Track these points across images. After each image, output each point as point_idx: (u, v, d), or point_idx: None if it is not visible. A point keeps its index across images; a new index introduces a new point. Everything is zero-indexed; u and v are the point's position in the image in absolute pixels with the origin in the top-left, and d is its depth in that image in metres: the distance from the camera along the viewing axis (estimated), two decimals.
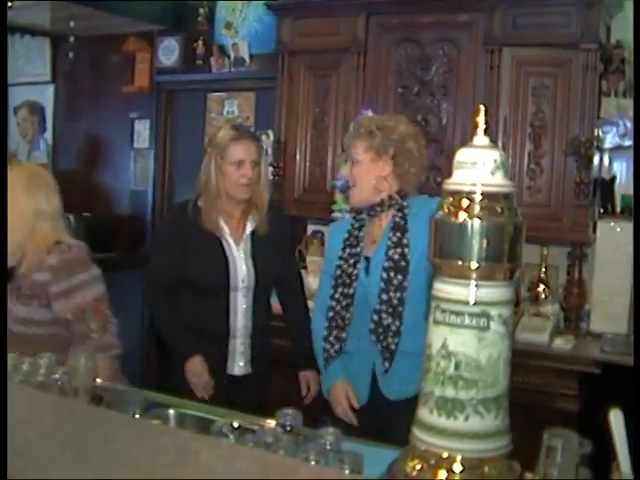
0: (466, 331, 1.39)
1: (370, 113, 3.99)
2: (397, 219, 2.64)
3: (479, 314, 1.39)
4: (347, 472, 1.49)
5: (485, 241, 1.39)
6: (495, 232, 1.40)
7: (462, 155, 1.45)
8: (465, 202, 1.41)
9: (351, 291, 2.67)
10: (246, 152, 2.93)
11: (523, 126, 3.72)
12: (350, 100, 4.13)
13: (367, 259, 2.69)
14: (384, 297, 2.60)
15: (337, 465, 1.51)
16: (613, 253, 3.79)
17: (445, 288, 1.43)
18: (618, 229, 3.80)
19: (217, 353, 2.98)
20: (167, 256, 3.00)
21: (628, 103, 3.70)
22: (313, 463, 1.51)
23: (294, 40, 4.25)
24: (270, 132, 4.69)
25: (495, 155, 1.42)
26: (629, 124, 3.70)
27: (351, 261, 2.69)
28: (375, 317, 2.60)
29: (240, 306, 2.99)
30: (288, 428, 1.69)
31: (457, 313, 1.40)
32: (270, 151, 4.43)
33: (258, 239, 3.02)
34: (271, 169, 4.26)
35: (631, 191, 3.93)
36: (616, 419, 1.44)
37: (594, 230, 3.82)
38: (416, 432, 1.47)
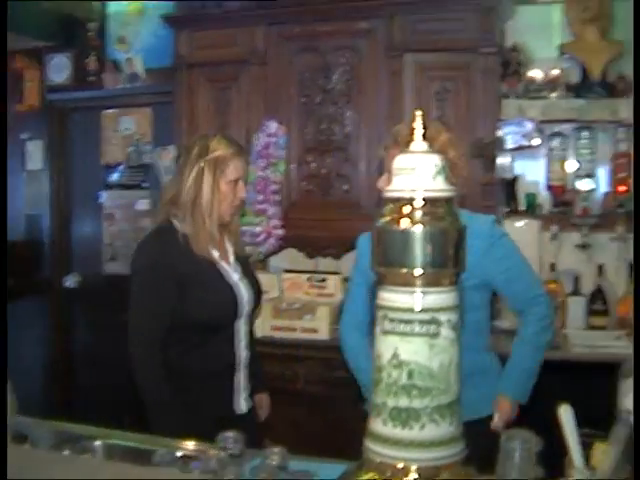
0: (417, 339, 1.37)
1: (274, 124, 3.98)
2: None
3: (429, 321, 1.37)
4: None
5: (429, 247, 1.37)
6: (439, 237, 1.38)
7: (401, 161, 1.43)
8: (407, 209, 1.39)
9: None
10: (243, 169, 2.61)
11: None
12: (252, 112, 4.09)
13: None
14: None
15: None
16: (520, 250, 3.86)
17: (392, 297, 1.40)
18: (524, 227, 3.89)
19: (224, 392, 2.62)
20: (161, 303, 2.49)
21: (527, 104, 3.79)
22: None
23: (192, 53, 4.17)
24: (171, 148, 4.60)
25: (435, 160, 1.40)
26: (529, 124, 3.79)
27: None
28: None
29: (243, 335, 2.64)
30: (230, 452, 1.63)
31: (406, 321, 1.37)
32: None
33: (241, 261, 2.70)
34: None
35: (533, 189, 4.04)
36: (566, 414, 1.45)
37: None
38: (370, 445, 1.44)
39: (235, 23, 4.04)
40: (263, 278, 4.07)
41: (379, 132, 3.88)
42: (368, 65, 3.88)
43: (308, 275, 4.02)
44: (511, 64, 3.82)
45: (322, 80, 3.97)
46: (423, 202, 1.39)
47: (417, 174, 1.40)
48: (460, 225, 1.40)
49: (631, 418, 1.47)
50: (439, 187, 1.40)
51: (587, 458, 1.48)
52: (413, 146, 1.45)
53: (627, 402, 1.67)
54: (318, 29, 3.95)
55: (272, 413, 3.65)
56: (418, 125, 1.45)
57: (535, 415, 2.36)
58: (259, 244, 4.00)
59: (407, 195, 1.40)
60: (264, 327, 3.83)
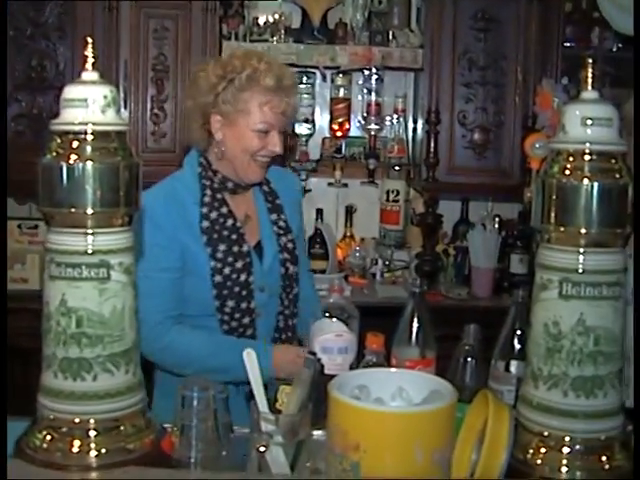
0: (85, 284, 1.28)
1: None
2: (269, 197, 2.21)
3: (98, 264, 1.28)
4: None
5: (99, 184, 1.27)
6: (110, 174, 1.29)
7: (70, 92, 1.32)
8: (75, 143, 1.28)
9: (253, 305, 2.10)
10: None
11: (144, 70, 3.63)
12: None
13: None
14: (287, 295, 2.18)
15: None
16: None
17: (59, 239, 1.29)
18: None
19: None
20: None
21: (248, 46, 3.71)
22: None
23: None
24: None
25: (105, 91, 1.30)
26: None
27: (237, 263, 2.08)
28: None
29: None
30: None
31: (74, 265, 1.28)
32: None
33: None
34: None
35: None
36: (249, 359, 1.42)
37: None
38: (42, 400, 1.34)
39: None
40: None
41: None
42: None
43: (19, 222, 3.75)
44: (233, 5, 3.75)
45: (33, 13, 3.67)
46: (93, 136, 1.29)
47: (87, 106, 1.30)
48: (133, 161, 1.32)
49: (315, 359, 1.48)
50: (110, 120, 1.31)
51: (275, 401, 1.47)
52: (84, 76, 1.34)
53: (315, 343, 1.69)
54: None
55: None
56: (89, 52, 1.34)
57: None
58: None
59: (76, 129, 1.29)
60: None
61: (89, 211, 1.27)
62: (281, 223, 2.18)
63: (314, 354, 1.52)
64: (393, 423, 1.26)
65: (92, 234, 1.28)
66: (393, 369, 1.56)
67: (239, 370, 1.49)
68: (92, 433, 1.31)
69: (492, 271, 3.80)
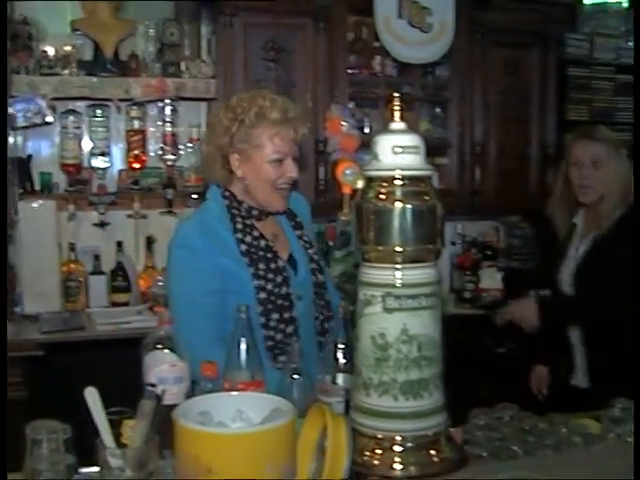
0: None
1: None
2: (290, 215, 2.44)
3: None
4: None
5: None
6: None
7: None
8: None
9: (294, 313, 2.28)
10: None
11: None
12: None
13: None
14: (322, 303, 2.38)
15: None
16: (37, 232, 3.75)
17: None
18: (40, 208, 3.77)
19: None
20: None
21: (39, 80, 3.66)
22: None
23: None
24: None
25: None
26: (41, 102, 3.67)
27: (277, 278, 2.26)
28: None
29: None
30: None
31: None
32: None
33: None
34: None
35: (48, 168, 3.92)
36: (91, 396, 1.43)
37: (16, 211, 3.74)
38: None
39: None
40: None
41: None
42: None
43: None
44: (21, 37, 3.65)
45: None
46: None
47: None
48: None
49: (156, 390, 1.50)
50: None
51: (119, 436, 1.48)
52: None
53: (150, 375, 1.71)
54: None
55: None
56: None
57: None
58: None
59: None
60: None
61: None
62: (305, 238, 2.43)
63: (153, 385, 1.55)
64: (243, 443, 1.34)
65: None
66: (234, 393, 1.62)
67: None
68: None
69: None
